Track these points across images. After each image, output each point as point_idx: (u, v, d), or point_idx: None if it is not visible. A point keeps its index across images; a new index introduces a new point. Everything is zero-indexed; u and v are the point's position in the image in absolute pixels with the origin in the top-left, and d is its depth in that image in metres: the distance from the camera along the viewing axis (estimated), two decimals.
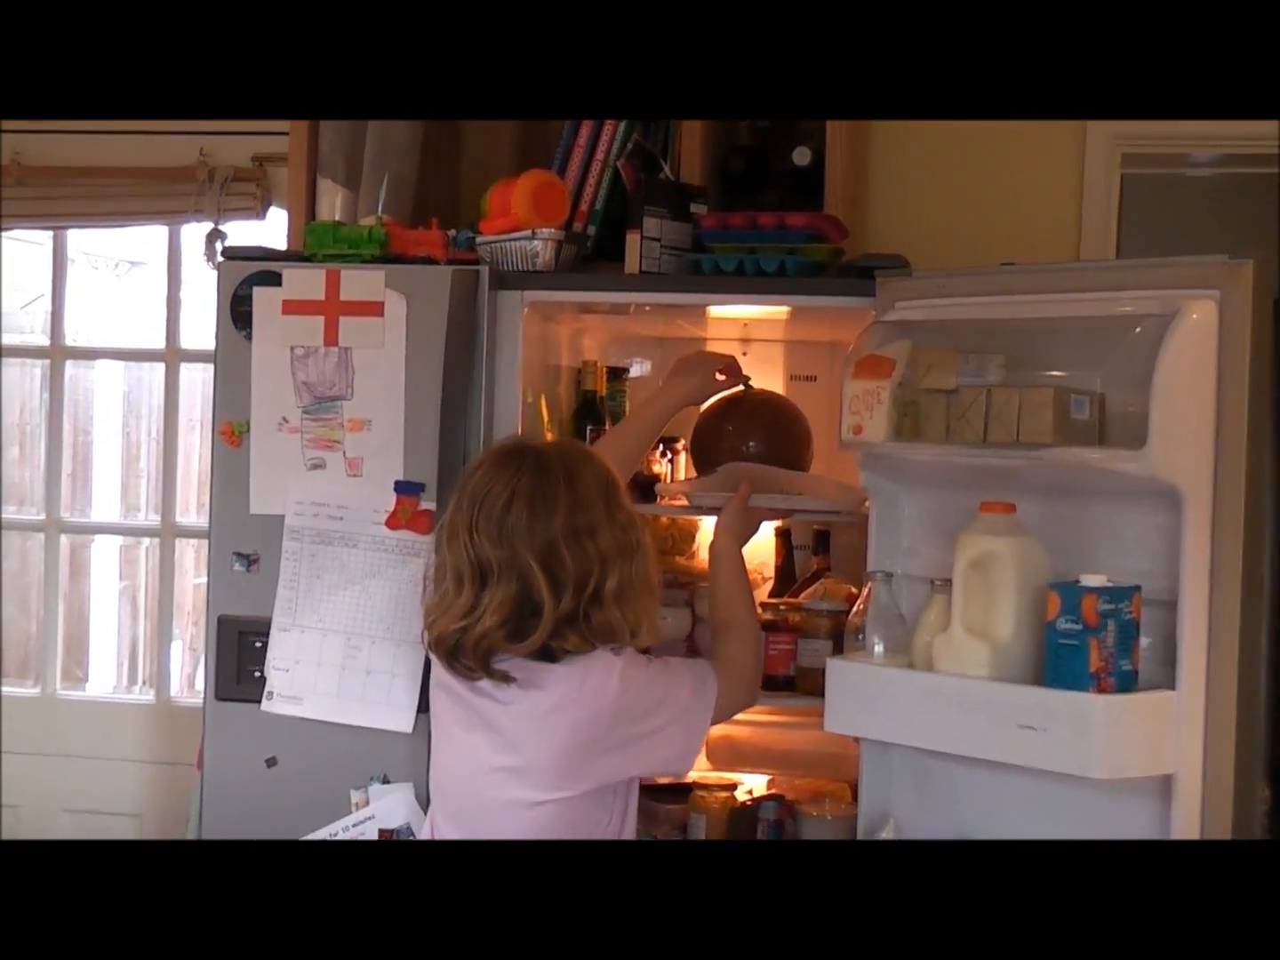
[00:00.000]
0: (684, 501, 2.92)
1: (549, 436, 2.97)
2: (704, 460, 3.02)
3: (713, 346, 3.35)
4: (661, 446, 3.02)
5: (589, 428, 3.03)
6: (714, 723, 2.37)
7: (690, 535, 3.28)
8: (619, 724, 2.23)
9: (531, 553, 2.19)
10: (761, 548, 3.14)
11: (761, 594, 3.12)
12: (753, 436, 2.96)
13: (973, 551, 2.28)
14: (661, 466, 3.04)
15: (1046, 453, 2.22)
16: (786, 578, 3.19)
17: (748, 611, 2.56)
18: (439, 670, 2.33)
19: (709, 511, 2.86)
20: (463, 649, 2.23)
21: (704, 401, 2.97)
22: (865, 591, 2.48)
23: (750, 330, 3.29)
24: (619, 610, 2.21)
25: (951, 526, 2.36)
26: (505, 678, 2.22)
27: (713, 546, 2.62)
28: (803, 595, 3.00)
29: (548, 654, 2.22)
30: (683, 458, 3.21)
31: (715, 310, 3.06)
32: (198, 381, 3.92)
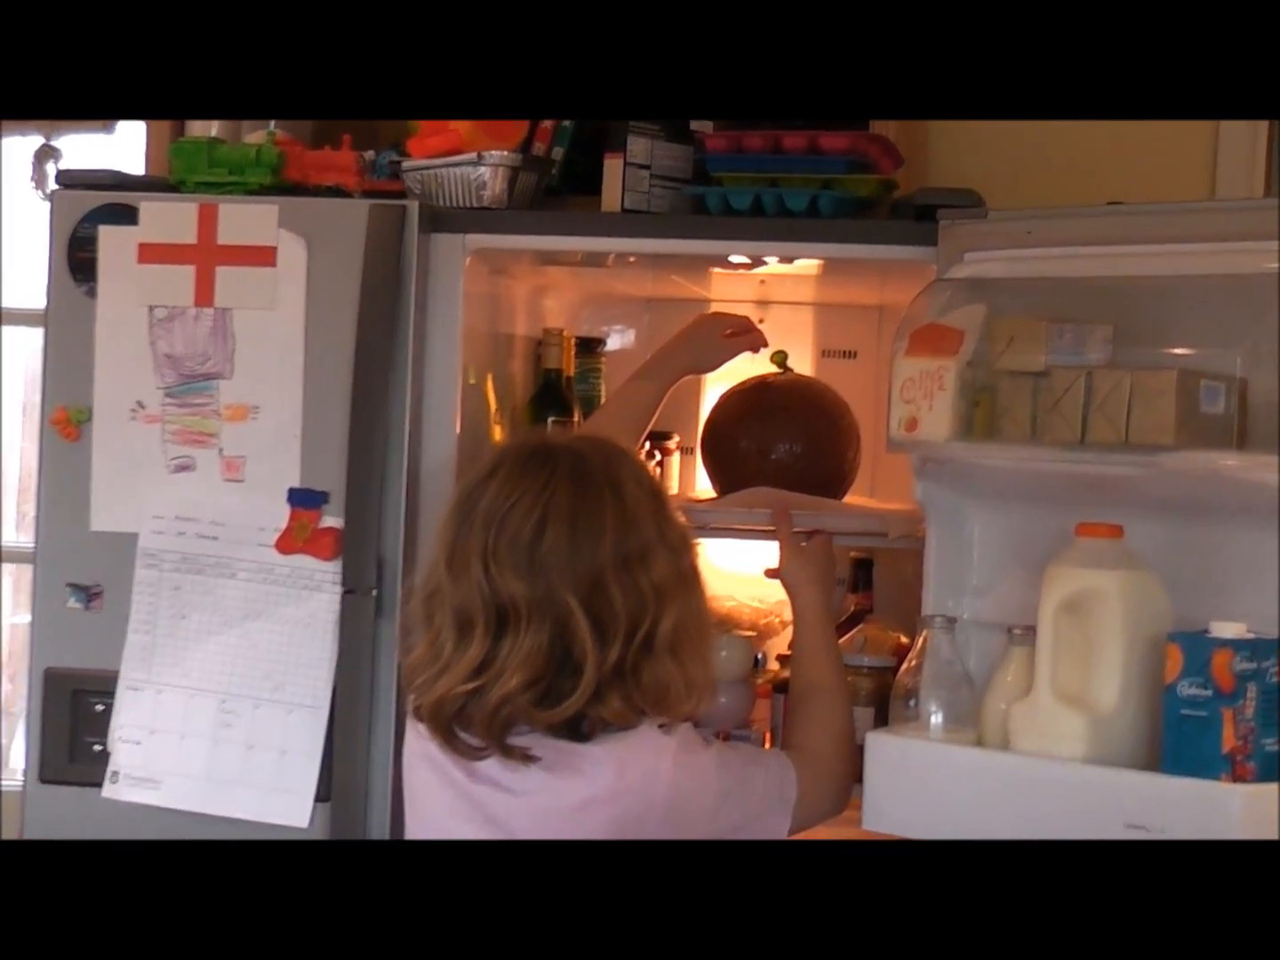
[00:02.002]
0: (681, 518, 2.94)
1: (497, 430, 2.98)
2: (719, 466, 3.07)
3: (720, 310, 3.36)
4: (649, 445, 3.04)
5: (551, 418, 3.05)
6: (793, 831, 2.38)
7: None
8: (669, 825, 2.23)
9: (572, 590, 2.17)
10: (777, 584, 3.15)
11: (780, 644, 3.14)
12: (783, 436, 2.99)
13: (1066, 589, 2.30)
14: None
15: (1167, 457, 2.24)
16: None
17: (837, 676, 2.60)
18: (419, 739, 2.30)
19: (717, 533, 2.89)
20: (470, 719, 2.21)
21: (709, 370, 3.01)
22: (919, 642, 2.49)
23: (770, 289, 3.31)
24: (673, 662, 2.21)
25: (1037, 556, 2.37)
26: (525, 757, 2.21)
27: (794, 604, 2.68)
28: None
29: (576, 728, 2.21)
30: (676, 459, 3.21)
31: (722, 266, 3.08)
32: (20, 351, 3.92)
